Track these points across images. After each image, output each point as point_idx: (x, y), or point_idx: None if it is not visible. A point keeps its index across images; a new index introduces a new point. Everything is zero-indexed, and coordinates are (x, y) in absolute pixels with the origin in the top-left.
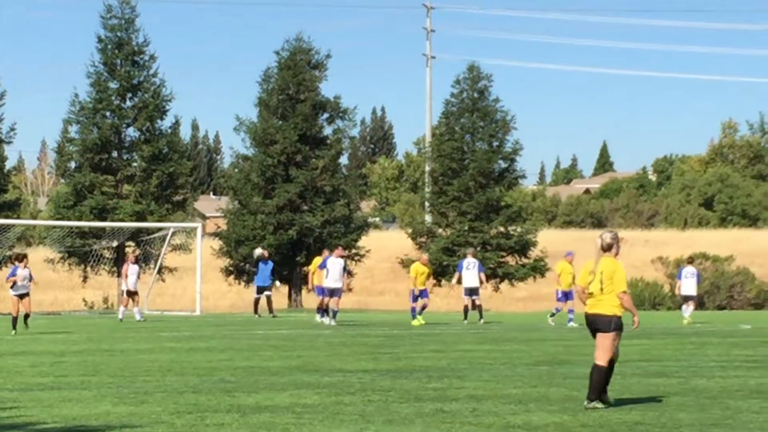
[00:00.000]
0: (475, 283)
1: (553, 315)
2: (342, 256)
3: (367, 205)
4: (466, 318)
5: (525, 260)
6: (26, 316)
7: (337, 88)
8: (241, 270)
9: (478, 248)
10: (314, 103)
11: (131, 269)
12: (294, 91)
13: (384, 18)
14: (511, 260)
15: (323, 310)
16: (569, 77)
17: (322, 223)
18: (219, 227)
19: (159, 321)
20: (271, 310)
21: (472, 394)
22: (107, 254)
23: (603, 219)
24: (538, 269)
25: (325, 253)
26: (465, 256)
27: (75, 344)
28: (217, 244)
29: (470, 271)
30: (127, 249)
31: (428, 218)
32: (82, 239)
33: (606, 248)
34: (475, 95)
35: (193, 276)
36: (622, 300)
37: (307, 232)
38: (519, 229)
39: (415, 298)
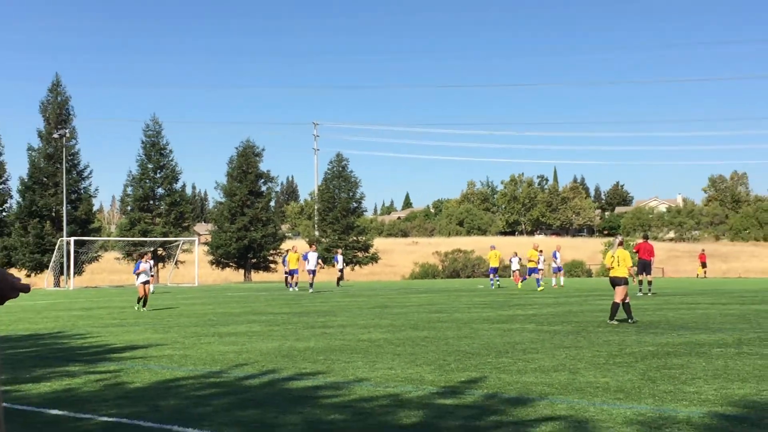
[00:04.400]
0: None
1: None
2: (315, 250)
3: (284, 227)
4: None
5: (366, 254)
6: (146, 298)
7: (268, 165)
8: (218, 262)
9: (342, 249)
10: (256, 174)
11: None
12: (245, 168)
13: (293, 127)
14: (360, 254)
15: (292, 284)
16: (391, 155)
17: (260, 236)
18: (207, 239)
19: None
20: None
21: (341, 323)
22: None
23: (408, 232)
24: (373, 258)
25: (311, 248)
26: (332, 252)
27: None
28: (205, 248)
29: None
30: (159, 252)
31: (317, 233)
32: (134, 246)
33: None
34: (340, 169)
35: (193, 265)
36: None
37: (252, 242)
38: (364, 238)
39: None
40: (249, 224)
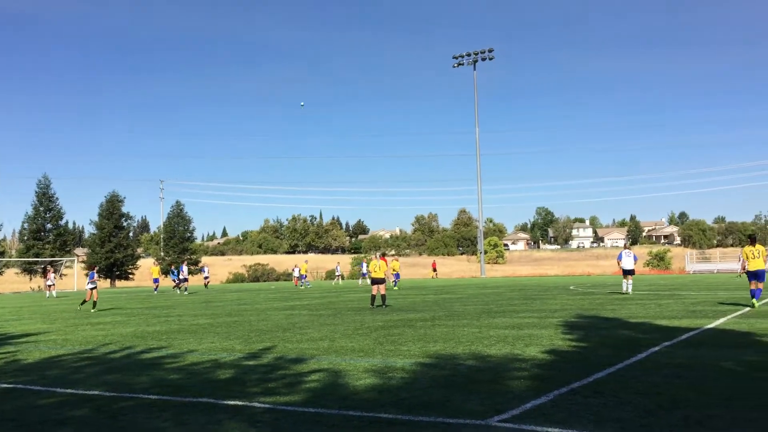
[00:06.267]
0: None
1: None
2: (186, 264)
3: (139, 250)
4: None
5: (196, 267)
6: (95, 302)
7: (128, 208)
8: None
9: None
10: (119, 214)
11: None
12: (112, 210)
13: (146, 183)
14: (192, 267)
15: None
16: (214, 201)
17: (122, 257)
18: (84, 259)
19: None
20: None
21: (178, 313)
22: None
23: (225, 252)
24: (201, 270)
25: (184, 263)
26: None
27: None
28: (82, 265)
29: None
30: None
31: (162, 253)
32: (29, 264)
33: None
34: (178, 211)
35: (73, 277)
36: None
37: (116, 260)
38: (194, 257)
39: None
40: (114, 248)
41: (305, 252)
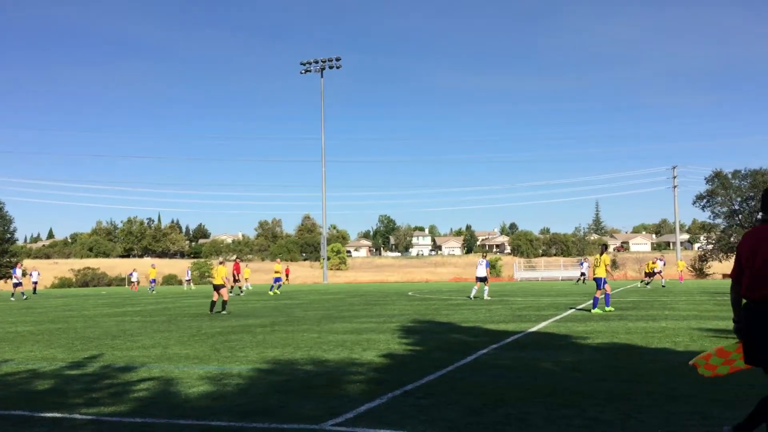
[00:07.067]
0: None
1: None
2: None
3: None
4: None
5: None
6: None
7: None
8: None
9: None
10: None
11: None
12: None
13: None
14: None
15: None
16: (44, 201)
17: None
18: None
19: None
20: None
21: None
22: None
23: (50, 255)
24: (24, 274)
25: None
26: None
27: None
28: None
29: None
30: None
31: None
32: None
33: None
34: None
35: None
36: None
37: None
38: (15, 260)
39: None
40: None
41: (141, 256)
